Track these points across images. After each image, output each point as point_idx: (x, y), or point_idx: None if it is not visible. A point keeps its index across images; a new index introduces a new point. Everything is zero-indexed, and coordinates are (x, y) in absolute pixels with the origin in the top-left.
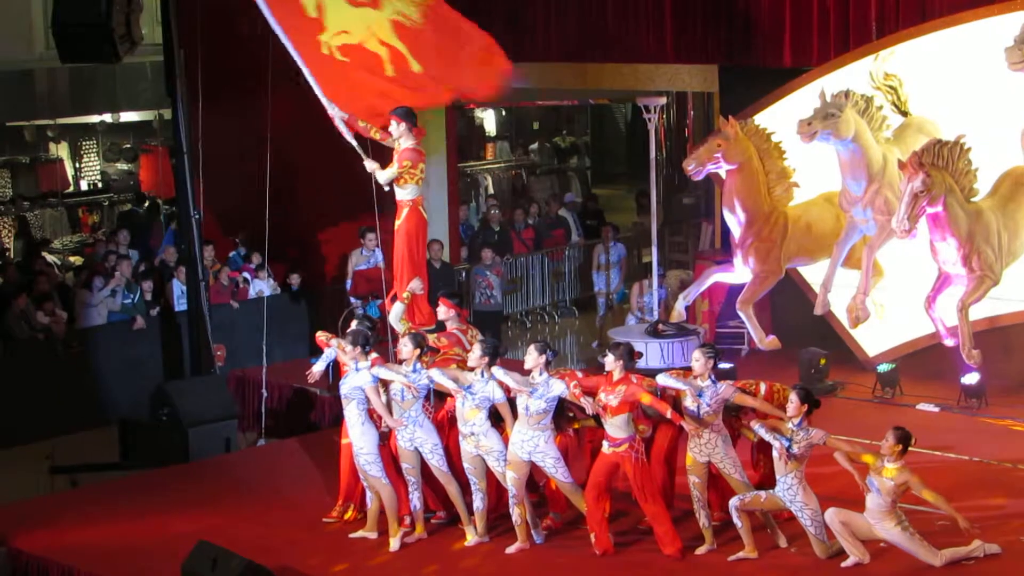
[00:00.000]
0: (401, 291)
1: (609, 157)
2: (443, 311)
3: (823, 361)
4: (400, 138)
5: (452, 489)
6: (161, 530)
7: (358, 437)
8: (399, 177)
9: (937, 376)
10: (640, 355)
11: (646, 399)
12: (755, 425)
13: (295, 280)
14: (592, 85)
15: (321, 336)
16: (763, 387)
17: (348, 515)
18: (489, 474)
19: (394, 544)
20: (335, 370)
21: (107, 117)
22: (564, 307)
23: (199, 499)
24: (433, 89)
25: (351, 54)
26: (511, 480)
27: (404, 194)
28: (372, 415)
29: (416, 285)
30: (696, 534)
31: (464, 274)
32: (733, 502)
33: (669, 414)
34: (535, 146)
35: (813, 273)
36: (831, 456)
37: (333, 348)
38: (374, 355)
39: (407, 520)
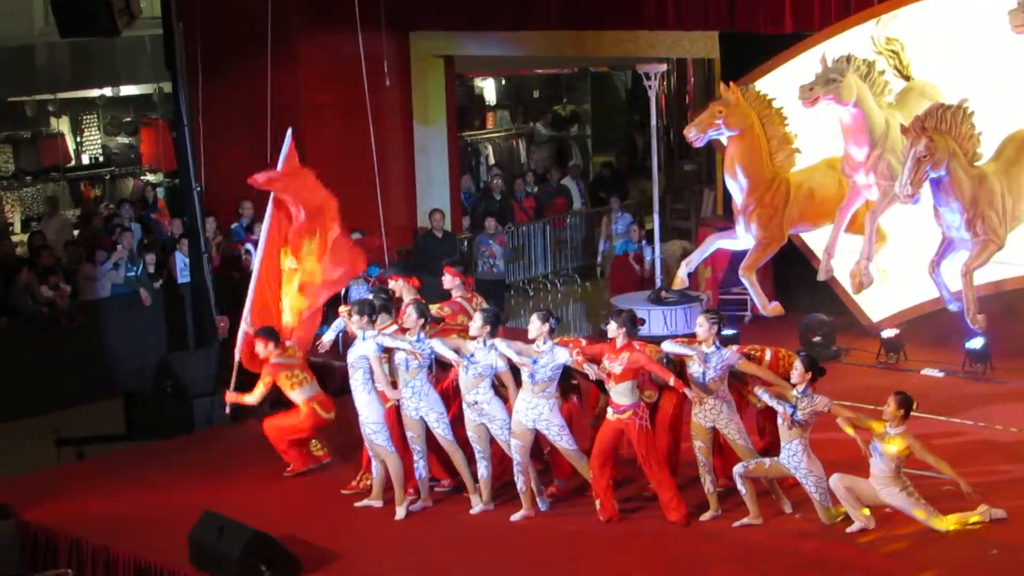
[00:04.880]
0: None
1: (609, 125)
2: (448, 280)
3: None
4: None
5: (458, 458)
6: (167, 501)
7: (364, 406)
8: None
9: (942, 341)
10: (643, 322)
11: (649, 366)
12: (760, 391)
13: None
14: (592, 53)
15: (343, 310)
16: (769, 353)
17: (363, 483)
18: (493, 442)
19: (400, 512)
20: (345, 340)
21: (107, 91)
22: (566, 275)
23: (204, 470)
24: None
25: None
26: (516, 448)
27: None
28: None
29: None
30: (701, 500)
31: (466, 243)
32: (737, 469)
33: (672, 381)
34: (540, 123)
35: (816, 239)
36: (835, 422)
37: (342, 318)
38: (394, 326)
39: (411, 489)
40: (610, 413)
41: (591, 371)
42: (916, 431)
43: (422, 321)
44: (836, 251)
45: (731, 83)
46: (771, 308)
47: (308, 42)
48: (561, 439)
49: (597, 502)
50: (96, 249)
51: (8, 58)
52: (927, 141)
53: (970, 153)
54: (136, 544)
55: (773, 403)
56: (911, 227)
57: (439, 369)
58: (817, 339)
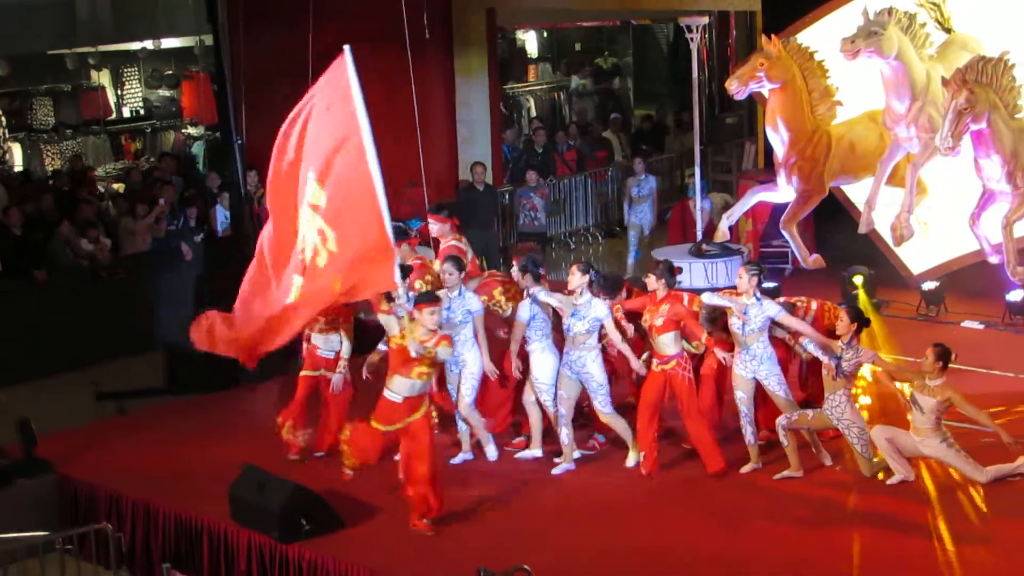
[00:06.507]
0: None
1: (651, 78)
2: (437, 228)
3: (858, 276)
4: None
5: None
6: (207, 455)
7: None
8: None
9: (982, 293)
10: (680, 270)
11: (687, 321)
12: (806, 342)
13: None
14: (634, 5)
15: None
16: (815, 305)
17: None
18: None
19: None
20: None
21: (148, 44)
22: (607, 228)
23: (245, 424)
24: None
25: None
26: (560, 400)
27: None
28: None
29: None
30: (743, 452)
31: (508, 196)
32: (780, 420)
33: (704, 339)
34: (581, 76)
35: (857, 191)
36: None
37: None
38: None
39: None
40: (655, 364)
41: (628, 327)
42: (956, 383)
43: (462, 275)
44: (877, 204)
45: (773, 36)
46: (812, 260)
47: None
48: (597, 396)
49: (642, 455)
50: (137, 203)
51: (49, 11)
52: (968, 94)
53: (1011, 106)
54: (176, 499)
55: (818, 354)
56: (952, 180)
57: None
58: (854, 292)
